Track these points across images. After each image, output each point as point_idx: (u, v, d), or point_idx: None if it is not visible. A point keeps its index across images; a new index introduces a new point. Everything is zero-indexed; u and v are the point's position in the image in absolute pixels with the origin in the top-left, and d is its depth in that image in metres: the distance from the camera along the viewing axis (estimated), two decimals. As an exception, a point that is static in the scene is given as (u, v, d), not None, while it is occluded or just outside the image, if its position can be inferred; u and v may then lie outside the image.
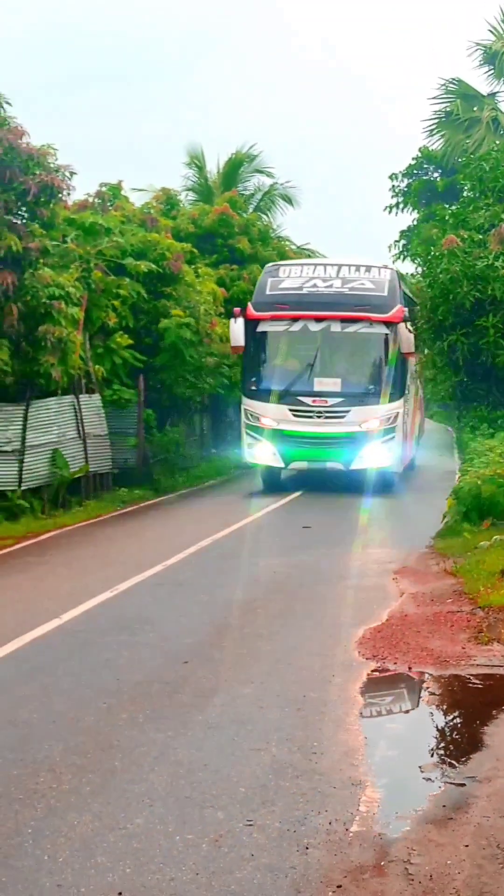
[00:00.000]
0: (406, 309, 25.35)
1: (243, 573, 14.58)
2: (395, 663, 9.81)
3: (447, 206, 36.54)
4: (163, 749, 7.60)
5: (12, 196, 21.67)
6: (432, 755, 7.75)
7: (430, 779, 7.18)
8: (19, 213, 22.46)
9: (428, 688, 9.25)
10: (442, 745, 8.09)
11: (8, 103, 22.50)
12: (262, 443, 25.18)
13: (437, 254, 29.29)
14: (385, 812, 6.56)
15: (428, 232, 36.37)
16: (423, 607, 12.09)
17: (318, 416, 24.42)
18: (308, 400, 24.46)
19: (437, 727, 8.54)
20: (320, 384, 24.50)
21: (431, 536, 17.58)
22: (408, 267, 40.03)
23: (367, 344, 25.48)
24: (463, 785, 6.98)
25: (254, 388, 25.72)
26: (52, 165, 22.21)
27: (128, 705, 8.68)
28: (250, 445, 25.72)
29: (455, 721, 8.70)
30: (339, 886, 5.55)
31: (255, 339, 25.65)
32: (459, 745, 8.07)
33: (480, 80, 43.89)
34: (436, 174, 45.12)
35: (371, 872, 5.72)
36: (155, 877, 5.66)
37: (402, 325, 24.54)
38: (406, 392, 26.17)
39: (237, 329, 25.03)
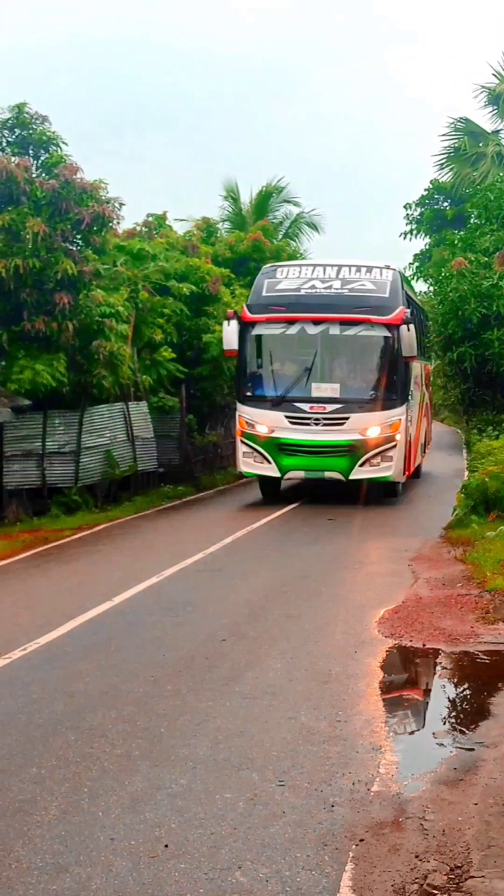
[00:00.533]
0: (408, 310, 21.45)
1: (274, 560, 14.55)
2: (411, 641, 9.77)
3: (456, 231, 36.39)
4: (203, 717, 7.60)
5: (68, 225, 21.93)
6: (444, 723, 7.72)
7: (442, 744, 7.15)
8: (75, 240, 22.62)
9: (440, 663, 9.21)
10: (453, 713, 8.06)
11: (64, 143, 22.92)
12: (256, 452, 21.23)
13: (447, 274, 29.24)
14: (402, 774, 6.54)
15: (439, 255, 36.29)
16: (435, 591, 12.05)
17: (316, 424, 20.55)
18: (305, 406, 20.68)
19: (448, 698, 8.51)
20: (318, 390, 20.68)
21: (443, 527, 17.49)
22: (421, 286, 39.82)
23: (367, 347, 21.42)
24: (472, 750, 6.95)
25: (248, 393, 21.76)
26: (103, 198, 22.50)
27: (172, 678, 8.69)
28: (245, 455, 21.61)
29: (465, 692, 8.66)
30: (361, 840, 5.53)
31: (251, 343, 21.68)
32: (469, 713, 8.04)
33: (485, 119, 44.37)
34: (445, 203, 45.09)
35: (390, 828, 5.70)
36: (197, 831, 5.66)
37: (403, 327, 20.73)
38: (409, 398, 22.31)
39: (230, 332, 21.23)
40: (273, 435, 20.83)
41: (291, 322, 21.16)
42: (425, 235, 45.42)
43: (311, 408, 20.53)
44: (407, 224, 46.10)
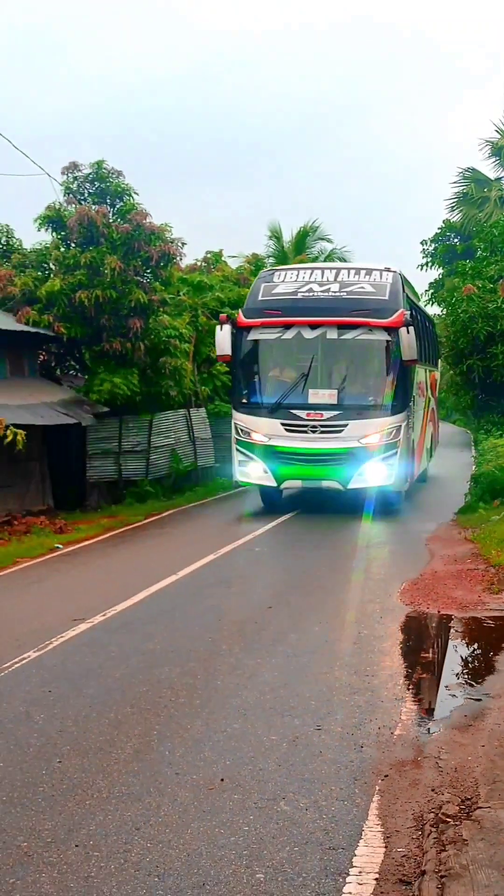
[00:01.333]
0: (408, 312, 17.17)
1: (310, 542, 14.49)
2: (428, 608, 9.72)
3: (465, 262, 36.23)
4: (253, 672, 7.61)
5: (139, 262, 22.26)
6: (456, 677, 7.67)
7: (454, 695, 7.10)
8: (145, 274, 22.77)
9: (452, 626, 9.15)
10: (463, 669, 8.01)
11: (136, 193, 23.09)
12: (252, 460, 17.22)
13: (458, 298, 29.07)
14: (421, 720, 6.52)
15: (450, 283, 35.98)
16: (448, 566, 11.97)
17: (313, 431, 16.60)
18: (302, 413, 16.67)
19: (459, 656, 8.45)
20: (315, 396, 16.71)
21: (454, 512, 17.38)
22: (435, 310, 39.52)
23: (366, 352, 17.32)
24: (479, 700, 6.91)
25: (244, 400, 17.62)
26: (168, 238, 22.60)
27: (227, 639, 8.71)
28: (241, 463, 17.50)
29: (473, 652, 8.59)
30: (385, 776, 5.53)
31: (246, 349, 17.45)
32: (477, 669, 7.98)
33: (489, 168, 44.07)
34: (456, 240, 44.76)
35: (410, 766, 5.69)
36: (248, 768, 5.67)
37: (403, 329, 16.51)
38: (411, 404, 17.99)
39: (222, 337, 17.28)
40: (269, 443, 16.84)
41: (287, 326, 17.04)
42: (439, 267, 45.08)
43: (308, 415, 16.59)
44: (423, 257, 45.82)
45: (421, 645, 8.64)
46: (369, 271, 17.78)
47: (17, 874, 4.51)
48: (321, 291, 17.28)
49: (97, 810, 5.16)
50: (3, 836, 4.90)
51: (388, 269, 17.79)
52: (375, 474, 16.59)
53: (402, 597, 10.30)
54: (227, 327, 17.11)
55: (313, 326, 16.73)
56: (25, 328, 21.06)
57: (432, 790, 5.30)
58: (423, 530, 15.37)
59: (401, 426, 16.73)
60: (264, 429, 16.87)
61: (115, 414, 22.67)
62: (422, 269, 45.74)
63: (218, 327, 17.33)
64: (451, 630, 9.07)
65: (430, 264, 45.53)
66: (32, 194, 40.61)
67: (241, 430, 17.23)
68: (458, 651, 8.59)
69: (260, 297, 17.58)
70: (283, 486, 17.32)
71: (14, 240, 23.92)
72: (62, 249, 22.33)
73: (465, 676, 7.76)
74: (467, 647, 8.76)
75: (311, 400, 16.57)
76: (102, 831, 4.91)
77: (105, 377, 21.69)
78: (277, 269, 18.85)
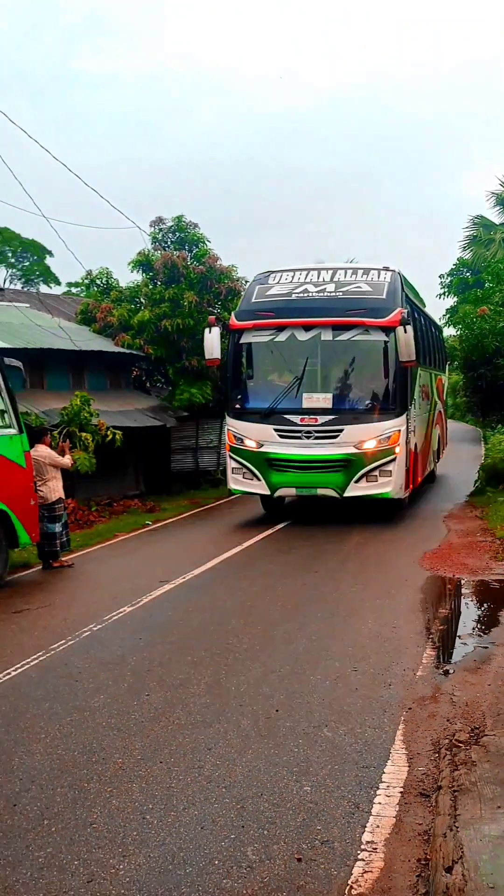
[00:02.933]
0: (406, 311, 13.74)
1: (352, 516, 14.38)
2: (445, 572, 9.59)
3: (476, 290, 35.76)
4: (302, 624, 7.56)
5: (211, 296, 22.34)
6: (468, 629, 7.55)
7: (465, 643, 6.99)
8: (216, 306, 22.72)
9: (464, 587, 9.02)
10: (473, 622, 7.88)
11: (208, 241, 23.24)
12: (245, 468, 13.86)
13: (473, 318, 28.79)
14: (438, 664, 6.43)
15: (463, 310, 35.47)
16: (461, 538, 11.79)
17: (307, 437, 13.33)
18: (295, 418, 13.44)
19: (470, 611, 8.33)
20: (309, 400, 13.47)
21: (467, 495, 17.09)
22: (450, 331, 38.98)
23: (362, 353, 13.87)
24: (487, 647, 6.79)
25: (237, 406, 14.21)
26: (234, 277, 22.69)
27: (282, 598, 8.65)
28: (234, 471, 14.11)
29: (481, 608, 8.46)
30: (409, 709, 5.46)
31: (238, 352, 14.23)
32: (485, 622, 7.84)
33: (495, 215, 43.51)
34: (468, 274, 44.15)
35: (429, 700, 5.61)
36: (297, 701, 5.64)
37: (400, 329, 13.24)
38: (411, 406, 14.46)
39: (210, 340, 14.24)
40: (262, 450, 13.44)
41: (280, 328, 13.64)
42: (454, 296, 44.52)
43: (302, 420, 13.24)
44: (441, 288, 45.23)
45: (439, 602, 8.52)
46: (367, 271, 14.28)
47: (114, 784, 4.54)
48: (316, 292, 13.87)
49: (177, 734, 5.17)
50: (104, 753, 4.93)
51: (386, 269, 14.26)
52: (373, 482, 13.17)
53: (423, 563, 10.17)
54: (215, 330, 14.08)
55: (307, 328, 13.40)
56: (122, 350, 21.31)
57: (447, 720, 5.23)
58: (442, 509, 15.15)
59: (400, 430, 13.24)
60: (257, 435, 13.48)
61: (193, 417, 22.81)
62: (440, 297, 45.23)
63: (206, 330, 14.07)
64: (464, 590, 8.95)
65: (446, 294, 45.03)
66: (126, 242, 41.13)
67: (235, 437, 13.80)
68: (468, 607, 8.45)
69: (253, 300, 14.13)
70: (276, 494, 13.69)
71: (112, 280, 24.10)
72: (150, 287, 22.48)
73: (475, 628, 7.63)
74: (477, 604, 8.62)
75: (306, 404, 13.26)
76: (181, 751, 4.92)
77: (185, 388, 21.88)
78: (273, 272, 14.83)
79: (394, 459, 13.05)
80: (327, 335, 13.30)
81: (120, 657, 6.79)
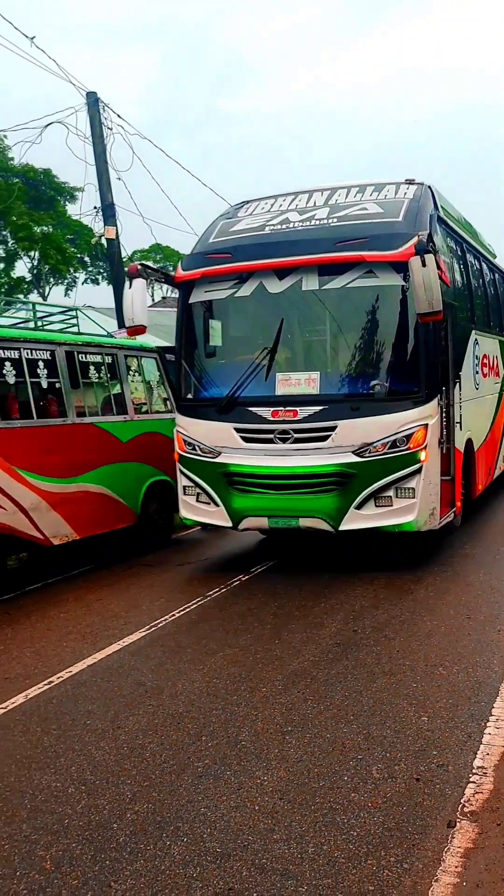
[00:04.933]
0: (426, 233, 6.96)
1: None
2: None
3: None
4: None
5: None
6: None
7: None
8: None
9: None
10: None
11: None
12: (199, 487, 7.91)
13: None
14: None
15: None
16: None
17: (283, 440, 7.35)
18: (266, 412, 7.43)
19: None
20: (285, 383, 7.49)
21: None
22: None
23: (365, 308, 7.53)
24: None
25: (188, 395, 8.16)
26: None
27: (414, 569, 8.56)
28: (186, 491, 8.08)
29: None
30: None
31: (188, 317, 8.11)
32: None
33: None
34: None
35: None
36: (416, 643, 5.57)
37: (415, 261, 6.69)
38: (455, 387, 8.40)
39: (131, 298, 7.67)
40: (219, 460, 7.75)
41: (243, 277, 7.81)
42: None
43: (275, 413, 7.47)
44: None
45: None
46: (380, 187, 8.28)
47: (259, 709, 4.64)
48: (300, 222, 7.96)
49: (311, 669, 5.22)
50: (250, 683, 5.03)
51: (411, 182, 8.20)
52: (386, 507, 7.29)
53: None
54: (137, 284, 7.72)
55: (281, 272, 7.59)
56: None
57: (553, 663, 5.02)
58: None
59: (427, 425, 7.23)
60: (213, 438, 7.76)
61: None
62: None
63: (126, 284, 7.89)
64: None
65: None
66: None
67: (185, 441, 8.01)
68: None
69: (211, 240, 8.26)
70: (242, 526, 7.73)
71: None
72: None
73: None
74: None
75: (281, 390, 7.52)
76: (315, 683, 4.96)
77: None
78: (250, 200, 8.98)
79: (418, 470, 7.17)
80: (311, 282, 7.52)
81: (254, 611, 6.90)
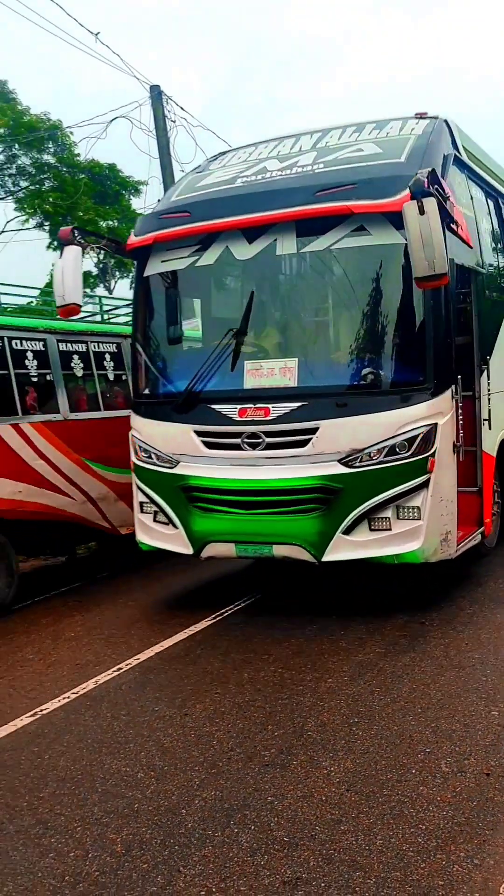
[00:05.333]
0: (427, 170, 4.99)
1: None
2: None
3: None
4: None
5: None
6: None
7: None
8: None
9: None
10: None
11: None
12: (156, 504, 6.19)
13: None
14: None
15: None
16: None
17: (252, 445, 5.62)
18: (232, 410, 5.69)
19: None
20: (255, 373, 5.65)
21: None
22: None
23: (355, 273, 5.72)
24: None
25: (146, 391, 6.43)
26: None
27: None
28: (142, 508, 6.39)
29: None
30: None
31: (144, 294, 6.38)
32: None
33: None
34: None
35: None
36: (486, 636, 5.46)
37: (410, 207, 4.84)
38: (484, 375, 6.39)
39: (61, 269, 5.84)
40: (177, 471, 5.99)
41: (205, 241, 5.96)
42: None
43: (243, 412, 5.69)
44: None
45: None
46: (383, 124, 6.52)
47: (325, 700, 4.63)
48: (279, 170, 6.25)
49: (378, 661, 5.18)
50: (317, 673, 5.03)
51: (421, 116, 6.38)
52: (383, 531, 5.64)
53: None
54: (69, 253, 6.02)
55: (251, 234, 5.90)
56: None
57: None
58: None
59: (437, 426, 5.53)
60: (171, 444, 6.17)
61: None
62: None
63: (57, 254, 6.13)
64: None
65: None
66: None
67: (141, 448, 6.43)
68: None
69: (174, 198, 6.62)
70: (204, 554, 6.12)
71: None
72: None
73: None
74: None
75: (250, 382, 5.89)
76: (382, 675, 4.93)
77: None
78: (228, 150, 7.52)
79: (424, 484, 5.53)
80: (287, 244, 5.85)
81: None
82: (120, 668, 5.33)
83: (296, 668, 5.11)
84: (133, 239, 6.41)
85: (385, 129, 6.42)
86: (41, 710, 4.72)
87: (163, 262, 6.33)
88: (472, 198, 6.71)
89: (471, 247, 6.23)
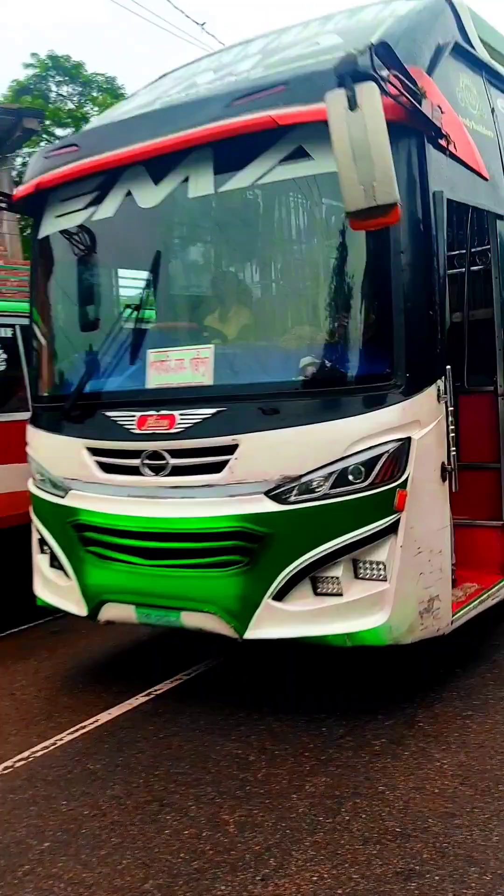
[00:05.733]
0: (366, 45, 2.92)
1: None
2: None
3: None
4: None
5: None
6: None
7: None
8: None
9: None
10: None
11: None
12: (46, 551, 4.43)
13: None
14: None
15: None
16: None
17: (156, 469, 3.79)
18: (130, 418, 3.84)
19: None
20: (160, 366, 3.78)
21: None
22: None
23: (293, 220, 3.84)
24: None
25: (43, 393, 4.64)
26: None
27: None
28: (41, 549, 4.54)
29: None
30: None
31: (37, 264, 4.61)
32: None
33: None
34: None
35: None
36: None
37: (334, 100, 2.84)
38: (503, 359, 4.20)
39: None
40: (66, 503, 4.18)
41: (102, 185, 4.11)
42: None
43: (143, 421, 3.82)
44: None
45: None
46: (358, 10, 4.41)
47: (437, 692, 4.54)
48: (209, 83, 4.35)
49: (494, 653, 5.04)
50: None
51: None
52: (330, 595, 3.66)
53: None
54: None
55: (156, 171, 3.98)
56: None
57: None
58: None
59: (409, 440, 3.53)
60: (60, 464, 4.36)
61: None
62: None
63: None
64: None
65: None
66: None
67: (35, 469, 4.63)
68: None
69: (85, 128, 3.99)
70: (101, 617, 4.28)
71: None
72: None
73: None
74: None
75: (153, 379, 3.99)
76: (497, 667, 4.79)
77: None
78: (181, 66, 5.29)
79: (391, 528, 3.59)
80: (202, 182, 3.95)
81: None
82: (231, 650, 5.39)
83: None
84: (18, 189, 4.73)
85: (358, 15, 4.40)
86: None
87: (56, 217, 4.56)
88: (492, 110, 4.61)
89: (485, 178, 4.25)
